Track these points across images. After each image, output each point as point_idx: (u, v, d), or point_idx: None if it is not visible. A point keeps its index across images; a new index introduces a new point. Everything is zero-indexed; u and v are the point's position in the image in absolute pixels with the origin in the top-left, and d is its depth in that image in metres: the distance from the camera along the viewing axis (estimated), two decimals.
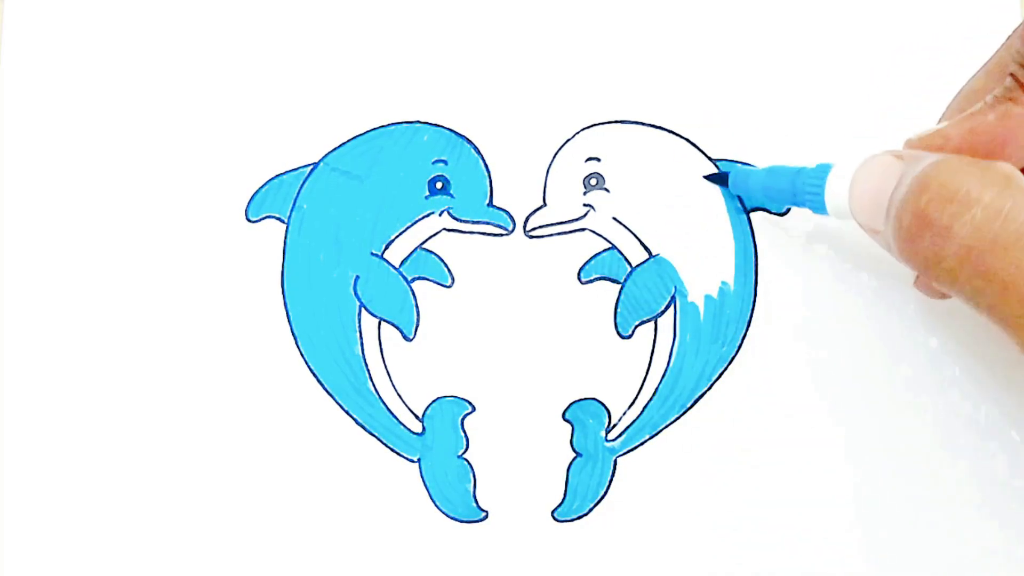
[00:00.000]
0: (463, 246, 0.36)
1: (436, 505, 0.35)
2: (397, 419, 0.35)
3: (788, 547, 0.34)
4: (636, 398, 0.35)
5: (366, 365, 0.35)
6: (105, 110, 0.37)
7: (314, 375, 0.35)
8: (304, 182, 0.36)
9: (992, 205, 0.24)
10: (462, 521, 0.35)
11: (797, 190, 0.32)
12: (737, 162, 0.36)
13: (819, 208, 0.31)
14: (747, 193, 0.35)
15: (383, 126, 0.37)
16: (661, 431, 0.35)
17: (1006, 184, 0.24)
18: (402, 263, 0.36)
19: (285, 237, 0.36)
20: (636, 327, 0.35)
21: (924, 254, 0.25)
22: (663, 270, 0.35)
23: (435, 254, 0.36)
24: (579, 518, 0.35)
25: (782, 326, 0.35)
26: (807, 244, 0.35)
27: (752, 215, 0.36)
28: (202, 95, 0.37)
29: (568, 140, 0.36)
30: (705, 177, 0.36)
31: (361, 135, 0.37)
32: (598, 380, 0.35)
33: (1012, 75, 0.27)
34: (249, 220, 0.36)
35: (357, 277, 0.36)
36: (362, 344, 0.36)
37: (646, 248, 0.36)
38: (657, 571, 0.34)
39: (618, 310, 0.35)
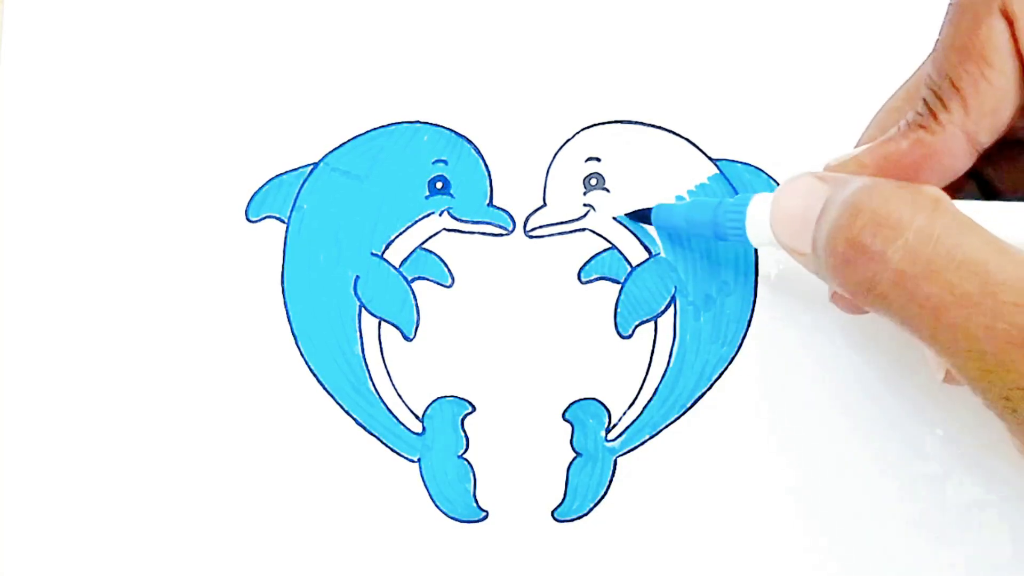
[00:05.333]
0: (463, 246, 0.36)
1: (436, 505, 0.35)
2: (397, 419, 0.35)
3: (789, 547, 0.34)
4: (636, 398, 0.35)
5: (366, 365, 0.35)
6: (105, 110, 0.37)
7: (314, 375, 0.35)
8: (304, 182, 0.36)
9: (923, 230, 0.24)
10: (462, 521, 0.35)
11: (718, 221, 0.31)
12: (737, 162, 0.36)
13: (741, 239, 0.31)
14: (671, 228, 0.35)
15: (383, 126, 0.37)
16: (661, 431, 0.35)
17: (935, 207, 0.25)
18: (402, 263, 0.36)
19: (285, 237, 0.36)
20: (636, 327, 0.35)
21: (858, 280, 0.25)
22: (663, 270, 0.36)
23: (435, 254, 0.36)
24: (579, 518, 0.35)
25: (782, 326, 0.35)
26: None
27: None
28: (202, 95, 0.37)
29: (568, 140, 0.36)
30: (627, 215, 0.35)
31: (361, 135, 0.37)
32: (598, 380, 0.35)
33: (924, 100, 0.27)
34: (249, 220, 0.36)
35: (357, 277, 0.36)
36: (362, 344, 0.36)
37: (646, 248, 0.36)
38: (657, 571, 0.34)
39: (618, 310, 0.35)
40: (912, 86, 0.30)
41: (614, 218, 0.36)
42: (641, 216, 0.35)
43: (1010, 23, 0.26)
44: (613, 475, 0.35)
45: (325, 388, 0.35)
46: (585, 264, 0.36)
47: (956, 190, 0.28)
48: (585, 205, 0.36)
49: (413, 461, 0.35)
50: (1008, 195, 0.30)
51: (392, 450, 0.35)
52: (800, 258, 0.28)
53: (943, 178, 0.27)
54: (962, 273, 0.24)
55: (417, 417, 0.35)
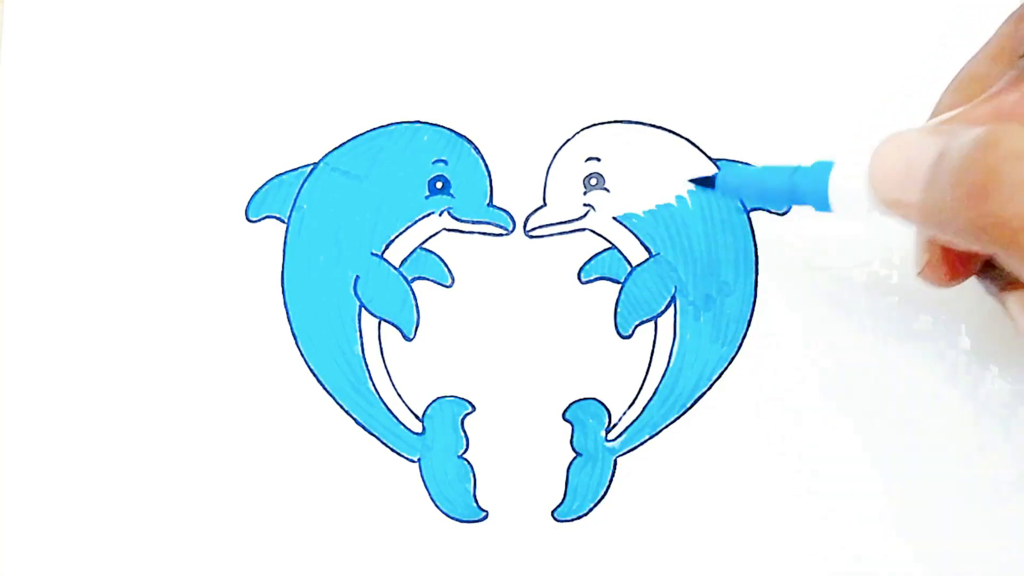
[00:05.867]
0: (463, 246, 0.36)
1: (436, 505, 0.35)
2: (397, 419, 0.35)
3: (788, 547, 0.34)
4: (636, 398, 0.35)
5: (366, 365, 0.35)
6: (105, 110, 0.37)
7: (314, 375, 0.35)
8: (304, 182, 0.36)
9: None
10: (462, 521, 0.35)
11: (796, 185, 0.30)
12: (737, 162, 0.36)
13: (822, 202, 0.29)
14: (738, 194, 0.34)
15: (383, 126, 0.37)
16: (661, 431, 0.35)
17: None
18: (402, 263, 0.36)
19: (285, 237, 0.36)
20: (636, 327, 0.35)
21: (989, 213, 0.23)
22: (663, 270, 0.35)
23: (435, 254, 0.36)
24: (579, 518, 0.35)
25: (782, 326, 0.35)
26: (807, 243, 0.35)
27: (752, 215, 0.36)
28: (202, 95, 0.37)
29: (568, 140, 0.36)
30: (691, 180, 0.34)
31: (361, 135, 0.37)
32: (598, 380, 0.35)
33: None
34: (249, 220, 0.36)
35: (357, 277, 0.36)
36: (362, 344, 0.36)
37: (646, 248, 0.36)
38: (657, 571, 0.34)
39: (618, 310, 0.35)
40: (994, 52, 0.29)
41: (690, 180, 0.35)
42: (706, 182, 0.33)
43: None
44: (613, 475, 0.35)
45: (325, 388, 0.35)
46: (585, 264, 0.36)
47: None
48: (585, 205, 0.36)
49: (413, 461, 0.35)
50: None
51: (392, 450, 0.35)
52: (904, 211, 0.26)
53: None
54: None
55: (417, 417, 0.35)
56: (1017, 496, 0.34)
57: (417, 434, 0.35)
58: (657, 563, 0.34)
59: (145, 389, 0.35)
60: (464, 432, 0.35)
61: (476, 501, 0.35)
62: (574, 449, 0.35)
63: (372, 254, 0.36)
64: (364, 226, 0.36)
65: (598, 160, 0.36)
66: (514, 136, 0.36)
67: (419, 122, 0.37)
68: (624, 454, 0.35)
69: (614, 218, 0.36)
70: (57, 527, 0.35)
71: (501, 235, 0.36)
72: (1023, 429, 0.34)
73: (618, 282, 0.36)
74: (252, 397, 0.35)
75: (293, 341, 0.36)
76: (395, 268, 0.36)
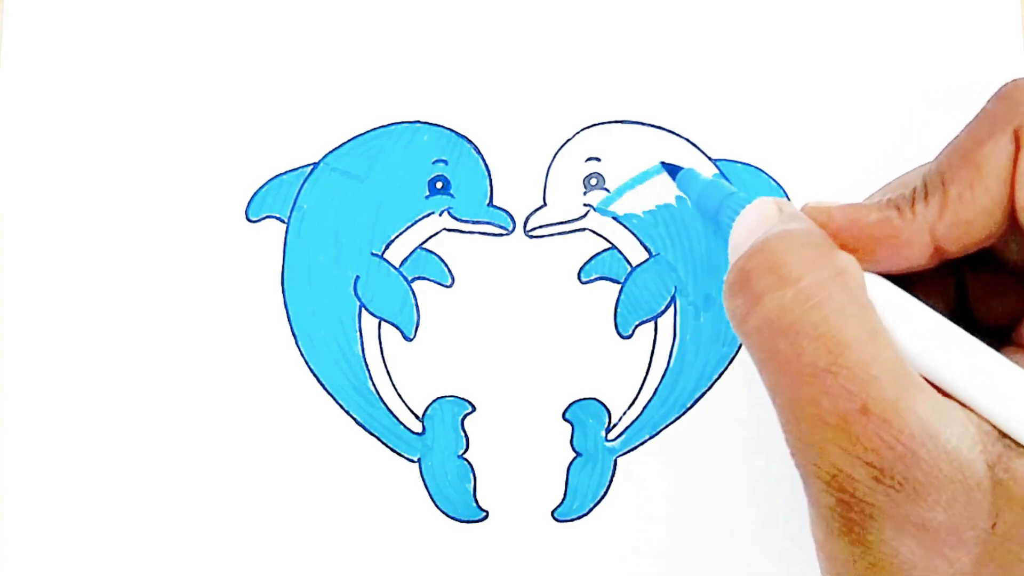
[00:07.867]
0: (463, 246, 0.36)
1: (436, 505, 0.35)
2: (397, 419, 0.35)
3: (788, 547, 0.34)
4: (636, 398, 0.35)
5: (366, 365, 0.35)
6: (105, 110, 0.37)
7: (314, 375, 0.35)
8: (304, 182, 0.36)
9: (805, 290, 0.24)
10: (462, 521, 0.35)
11: (721, 208, 0.31)
12: (737, 162, 0.36)
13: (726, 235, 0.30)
14: (688, 194, 0.34)
15: (383, 126, 0.37)
16: (661, 431, 0.35)
17: (832, 275, 0.24)
18: (402, 263, 0.36)
19: (285, 237, 0.36)
20: (636, 327, 0.35)
21: (733, 311, 0.26)
22: (663, 270, 0.36)
23: (435, 254, 0.36)
24: (579, 518, 0.35)
25: None
26: None
27: None
28: (202, 95, 0.37)
29: (568, 140, 0.36)
30: (662, 163, 0.35)
31: (361, 135, 0.37)
32: (598, 380, 0.35)
33: (914, 187, 0.27)
34: (249, 220, 0.36)
35: (357, 277, 0.36)
36: (362, 344, 0.36)
37: (646, 248, 0.36)
38: (657, 571, 0.34)
39: (618, 310, 0.35)
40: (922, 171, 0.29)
41: (662, 163, 0.35)
42: (672, 170, 0.35)
43: (1017, 148, 0.25)
44: (613, 475, 0.35)
45: (325, 388, 0.35)
46: (585, 264, 0.36)
47: (929, 291, 0.28)
48: (585, 205, 0.36)
49: (413, 461, 0.35)
50: (980, 311, 0.29)
51: (392, 450, 0.35)
52: None
53: (896, 264, 0.27)
54: (818, 344, 0.24)
55: (417, 417, 0.35)
56: None
57: (417, 434, 0.35)
58: (657, 563, 0.34)
59: (145, 389, 0.35)
60: (464, 432, 0.35)
61: (476, 501, 0.35)
62: (574, 449, 0.35)
63: (372, 254, 0.36)
64: (364, 226, 0.36)
65: (598, 160, 0.36)
66: (514, 136, 0.36)
67: (419, 122, 0.37)
68: (624, 454, 0.35)
69: (614, 218, 0.36)
70: (57, 527, 0.35)
71: (501, 235, 0.36)
72: None
73: (618, 282, 0.36)
74: (252, 397, 0.35)
75: (293, 341, 0.36)
76: (395, 268, 0.36)
